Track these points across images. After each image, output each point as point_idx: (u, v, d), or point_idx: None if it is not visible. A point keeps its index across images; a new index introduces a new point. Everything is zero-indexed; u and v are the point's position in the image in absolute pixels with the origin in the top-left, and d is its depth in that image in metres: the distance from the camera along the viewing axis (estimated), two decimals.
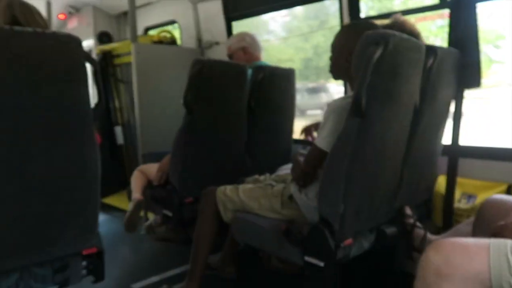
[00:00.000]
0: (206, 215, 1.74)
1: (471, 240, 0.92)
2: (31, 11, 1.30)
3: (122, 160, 3.81)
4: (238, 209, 1.67)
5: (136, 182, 2.22)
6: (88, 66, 1.25)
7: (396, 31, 1.30)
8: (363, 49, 1.25)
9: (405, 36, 1.31)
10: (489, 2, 1.91)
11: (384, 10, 2.38)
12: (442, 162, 1.86)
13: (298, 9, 3.21)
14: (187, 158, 1.94)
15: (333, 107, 1.42)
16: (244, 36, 2.48)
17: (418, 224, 1.64)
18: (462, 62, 1.71)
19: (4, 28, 1.04)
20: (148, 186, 2.21)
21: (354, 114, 1.27)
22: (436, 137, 1.75)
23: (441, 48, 1.55)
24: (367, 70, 1.22)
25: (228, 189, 1.71)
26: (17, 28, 1.05)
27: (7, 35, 1.02)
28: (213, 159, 2.04)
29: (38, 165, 1.14)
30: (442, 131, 1.78)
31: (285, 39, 3.63)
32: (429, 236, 1.62)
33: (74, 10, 4.16)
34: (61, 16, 4.27)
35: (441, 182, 1.90)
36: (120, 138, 3.74)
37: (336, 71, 1.55)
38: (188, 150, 1.94)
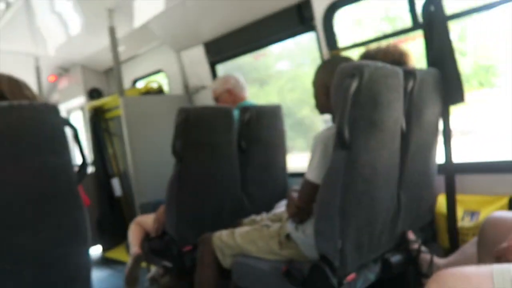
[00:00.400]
0: (205, 264, 1.70)
1: (473, 269, 0.88)
2: (19, 85, 1.32)
3: (122, 212, 3.78)
4: (237, 254, 1.63)
5: (133, 235, 2.18)
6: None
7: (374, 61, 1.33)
8: (339, 82, 1.26)
9: (379, 64, 1.33)
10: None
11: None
12: (441, 181, 1.83)
13: (303, 40, 3.11)
14: (181, 206, 1.92)
15: (320, 138, 1.42)
16: (228, 78, 2.51)
17: (423, 248, 1.59)
18: (443, 80, 1.72)
19: None
20: (146, 238, 2.17)
21: (339, 147, 1.26)
22: (429, 157, 1.74)
23: (419, 70, 1.56)
24: (346, 103, 1.23)
25: (224, 234, 1.68)
26: None
27: None
28: (208, 205, 2.01)
29: (26, 237, 1.12)
30: (435, 150, 1.76)
31: (300, 66, 3.60)
32: (436, 260, 1.57)
33: (63, 71, 4.26)
34: (51, 78, 4.37)
35: (442, 201, 1.86)
36: (118, 190, 3.73)
37: (320, 106, 1.59)
38: (182, 198, 1.91)
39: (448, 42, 1.79)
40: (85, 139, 4.30)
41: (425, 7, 1.84)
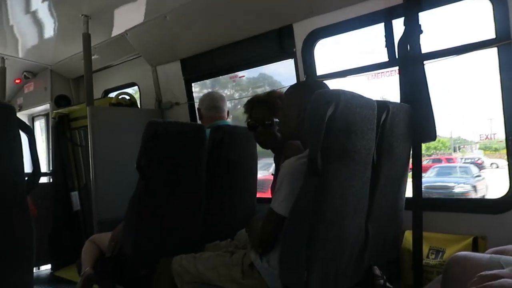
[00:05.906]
0: None
1: None
2: None
3: (78, 228, 3.57)
4: (197, 281, 1.53)
5: (87, 254, 2.03)
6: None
7: None
8: (314, 108, 1.23)
9: (355, 93, 1.31)
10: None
11: None
12: (408, 216, 1.82)
13: None
14: (141, 226, 1.80)
15: (288, 169, 1.35)
16: (205, 97, 2.46)
17: (388, 284, 1.55)
18: (415, 117, 1.74)
19: None
20: (100, 258, 2.03)
21: (310, 173, 1.22)
22: (398, 191, 1.72)
23: (392, 103, 1.56)
24: (320, 129, 1.20)
25: (184, 259, 1.58)
26: None
27: None
28: (170, 226, 1.90)
29: None
30: (404, 185, 1.75)
31: None
32: None
33: (30, 75, 4.09)
34: (17, 81, 4.19)
35: (409, 237, 1.85)
36: (76, 204, 3.55)
37: (287, 131, 1.51)
38: (142, 217, 1.80)
39: (424, 81, 1.82)
40: (47, 148, 4.11)
41: (401, 45, 1.88)
